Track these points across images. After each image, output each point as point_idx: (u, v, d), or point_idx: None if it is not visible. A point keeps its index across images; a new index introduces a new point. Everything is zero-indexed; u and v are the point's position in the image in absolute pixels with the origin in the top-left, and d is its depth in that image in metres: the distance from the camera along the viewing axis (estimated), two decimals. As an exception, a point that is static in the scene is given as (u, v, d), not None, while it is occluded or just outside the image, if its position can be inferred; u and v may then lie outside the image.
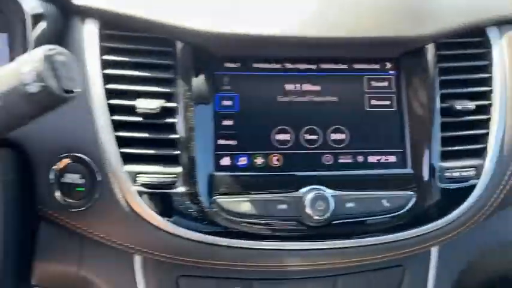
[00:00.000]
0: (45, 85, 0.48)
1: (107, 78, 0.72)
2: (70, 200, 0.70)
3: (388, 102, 0.79)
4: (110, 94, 0.72)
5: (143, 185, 0.70)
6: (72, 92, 0.51)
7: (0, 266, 0.61)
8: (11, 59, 0.69)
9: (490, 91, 0.81)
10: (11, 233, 0.66)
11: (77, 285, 0.79)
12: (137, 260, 0.78)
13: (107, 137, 0.70)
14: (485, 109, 0.81)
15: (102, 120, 0.70)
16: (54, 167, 0.69)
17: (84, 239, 0.76)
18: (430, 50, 0.79)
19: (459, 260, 0.87)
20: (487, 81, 0.82)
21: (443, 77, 0.79)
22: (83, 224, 0.72)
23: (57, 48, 0.50)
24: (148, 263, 0.78)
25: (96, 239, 0.74)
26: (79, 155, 0.70)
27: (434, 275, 0.85)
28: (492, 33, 0.83)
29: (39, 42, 0.67)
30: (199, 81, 0.73)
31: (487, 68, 0.82)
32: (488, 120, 0.80)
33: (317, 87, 0.78)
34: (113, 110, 0.71)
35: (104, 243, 0.74)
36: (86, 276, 0.78)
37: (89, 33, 0.73)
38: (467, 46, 0.83)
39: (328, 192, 0.72)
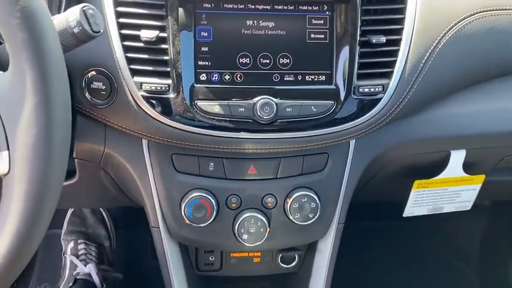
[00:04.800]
0: (83, 28, 0.78)
1: (119, 15, 1.00)
2: (96, 100, 1.02)
3: (323, 36, 1.05)
4: (121, 26, 1.00)
5: (146, 91, 1.01)
6: (98, 32, 0.81)
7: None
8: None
9: (402, 28, 1.08)
10: None
11: (104, 159, 1.14)
12: (144, 143, 1.05)
13: (120, 57, 0.99)
14: (396, 42, 1.08)
15: (117, 45, 0.99)
16: (85, 76, 1.00)
17: (107, 127, 1.09)
18: None
19: (369, 152, 1.19)
20: (401, 21, 1.08)
21: (364, 17, 1.05)
22: (106, 116, 1.03)
23: (88, 5, 0.79)
24: (151, 144, 1.08)
25: (116, 127, 1.06)
26: (102, 69, 0.99)
27: (351, 161, 1.18)
28: None
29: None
30: (183, 17, 1.01)
31: (402, 11, 1.08)
32: (398, 51, 1.08)
33: (271, 23, 1.03)
34: (124, 38, 1.00)
35: (121, 130, 1.07)
36: (110, 152, 1.06)
37: None
38: None
39: (274, 100, 1.03)
